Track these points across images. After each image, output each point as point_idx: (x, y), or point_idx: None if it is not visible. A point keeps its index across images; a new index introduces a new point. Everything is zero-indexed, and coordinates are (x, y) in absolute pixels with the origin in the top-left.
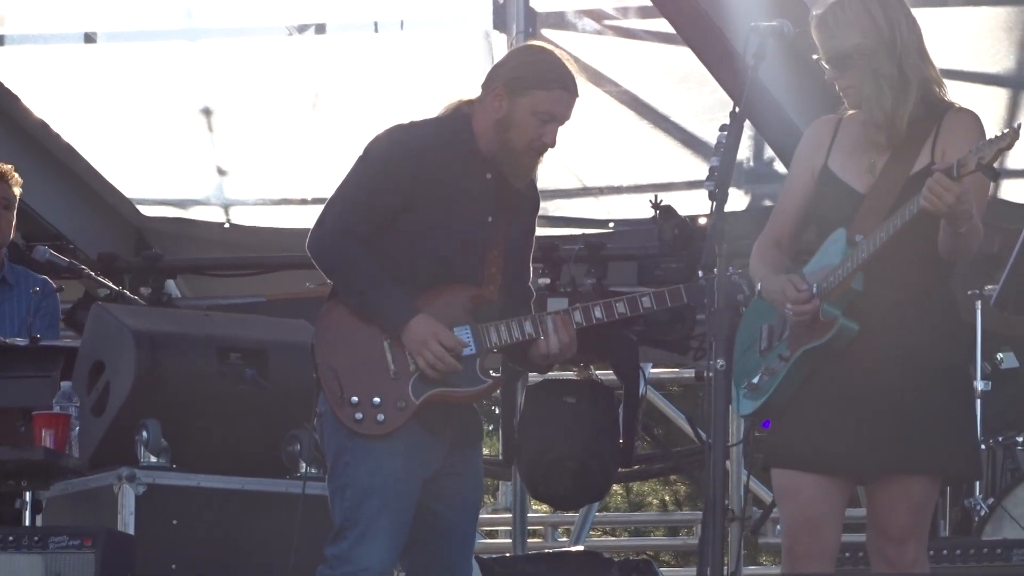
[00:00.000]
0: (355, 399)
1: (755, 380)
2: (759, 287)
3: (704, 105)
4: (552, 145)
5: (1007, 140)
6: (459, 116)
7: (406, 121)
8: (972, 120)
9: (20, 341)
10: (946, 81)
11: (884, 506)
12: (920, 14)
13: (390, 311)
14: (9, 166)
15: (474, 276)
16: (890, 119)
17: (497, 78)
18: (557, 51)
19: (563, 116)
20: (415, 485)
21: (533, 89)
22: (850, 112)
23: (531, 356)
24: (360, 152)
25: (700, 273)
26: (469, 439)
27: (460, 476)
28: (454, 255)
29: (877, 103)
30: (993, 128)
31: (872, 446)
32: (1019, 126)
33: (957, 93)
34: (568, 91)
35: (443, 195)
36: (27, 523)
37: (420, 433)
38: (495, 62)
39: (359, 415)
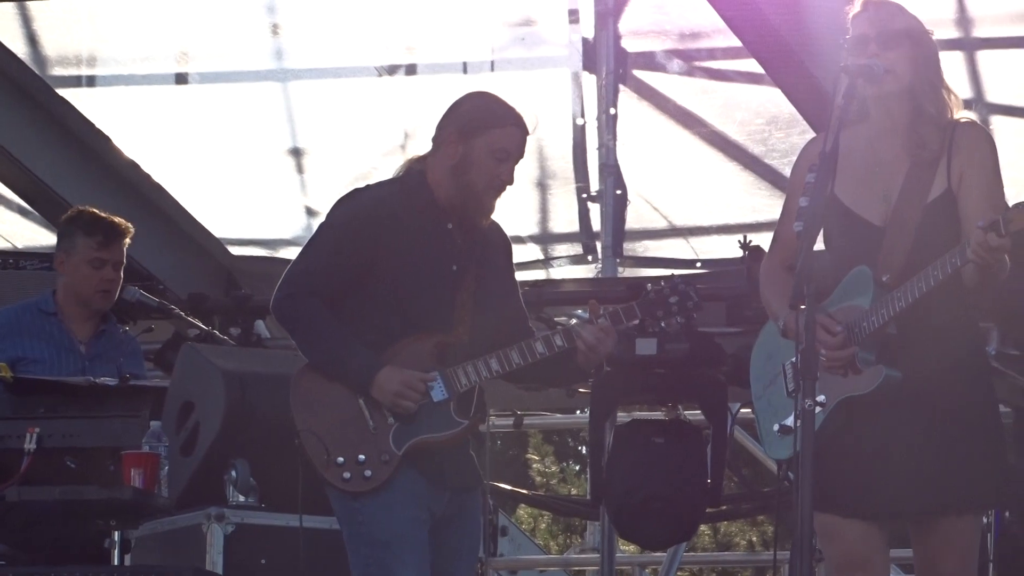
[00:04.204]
0: (341, 459)
1: (788, 422)
2: (781, 323)
3: (793, 146)
4: (511, 182)
5: None
6: (413, 173)
7: (362, 185)
8: (984, 137)
9: (110, 381)
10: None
11: (933, 549)
12: None
13: (355, 369)
14: (128, 224)
15: (445, 324)
16: (930, 119)
17: (449, 126)
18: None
19: (518, 152)
20: (425, 531)
21: (488, 129)
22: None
23: (581, 364)
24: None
25: (648, 285)
26: (467, 484)
27: (456, 523)
28: (424, 308)
29: (928, 94)
30: None
31: (912, 490)
32: None
33: None
34: (520, 127)
35: (406, 251)
36: (116, 562)
37: (420, 482)
38: (583, 101)
39: (347, 474)
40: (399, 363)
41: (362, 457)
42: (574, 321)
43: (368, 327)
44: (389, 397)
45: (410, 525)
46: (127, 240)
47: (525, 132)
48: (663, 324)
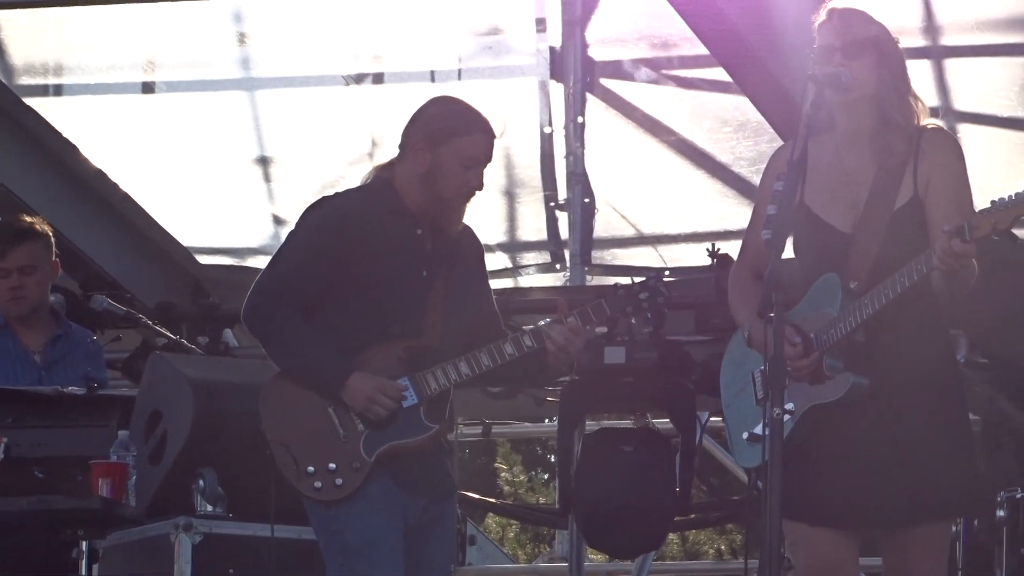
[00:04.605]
0: (311, 469)
1: (757, 431)
2: (746, 333)
3: (761, 154)
4: (480, 188)
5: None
6: (380, 180)
7: (330, 193)
8: (951, 144)
9: (77, 390)
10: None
11: (902, 558)
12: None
13: (325, 375)
14: (41, 228)
15: (416, 330)
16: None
17: (416, 134)
18: (466, 99)
19: (486, 159)
20: (400, 537)
21: (455, 137)
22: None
23: (551, 364)
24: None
25: (618, 283)
26: (443, 492)
27: (431, 532)
28: (394, 314)
29: (894, 102)
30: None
31: (882, 498)
32: None
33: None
34: (487, 133)
35: (376, 257)
36: (84, 572)
37: (393, 488)
38: (554, 107)
39: (318, 484)
40: (370, 369)
41: (333, 466)
42: (542, 322)
43: (339, 334)
44: (361, 402)
45: (384, 531)
46: (40, 241)
47: (492, 137)
48: (633, 321)
